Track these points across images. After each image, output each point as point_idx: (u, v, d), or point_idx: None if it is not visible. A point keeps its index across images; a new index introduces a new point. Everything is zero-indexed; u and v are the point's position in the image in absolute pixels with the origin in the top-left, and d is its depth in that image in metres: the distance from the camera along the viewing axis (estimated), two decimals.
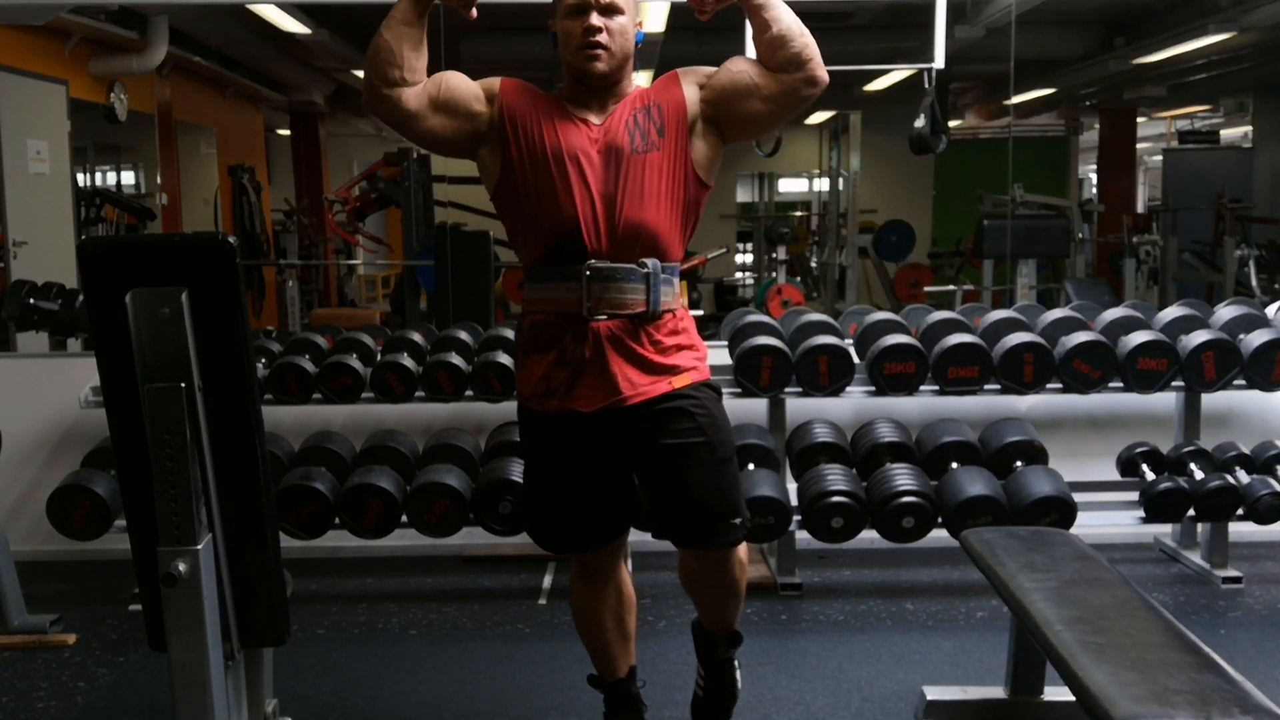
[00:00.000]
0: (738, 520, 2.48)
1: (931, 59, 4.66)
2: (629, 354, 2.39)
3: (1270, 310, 4.23)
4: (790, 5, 2.35)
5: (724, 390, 3.81)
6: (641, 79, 2.60)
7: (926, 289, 9.85)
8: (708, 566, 2.55)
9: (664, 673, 3.16)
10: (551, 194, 2.36)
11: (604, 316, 2.36)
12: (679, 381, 2.42)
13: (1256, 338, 3.84)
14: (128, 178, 9.31)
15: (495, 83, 2.44)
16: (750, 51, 2.32)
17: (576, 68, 2.38)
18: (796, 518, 3.64)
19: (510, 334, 4.15)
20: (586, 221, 2.35)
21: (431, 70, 2.38)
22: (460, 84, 2.40)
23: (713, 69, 2.46)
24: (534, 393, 2.45)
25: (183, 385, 1.86)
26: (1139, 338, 3.82)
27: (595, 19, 2.35)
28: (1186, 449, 3.86)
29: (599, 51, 2.35)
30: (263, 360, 3.99)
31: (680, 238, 2.45)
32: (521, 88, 2.44)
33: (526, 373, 2.47)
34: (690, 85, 2.44)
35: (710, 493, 2.44)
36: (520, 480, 3.60)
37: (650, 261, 2.38)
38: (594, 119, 2.40)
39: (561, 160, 2.36)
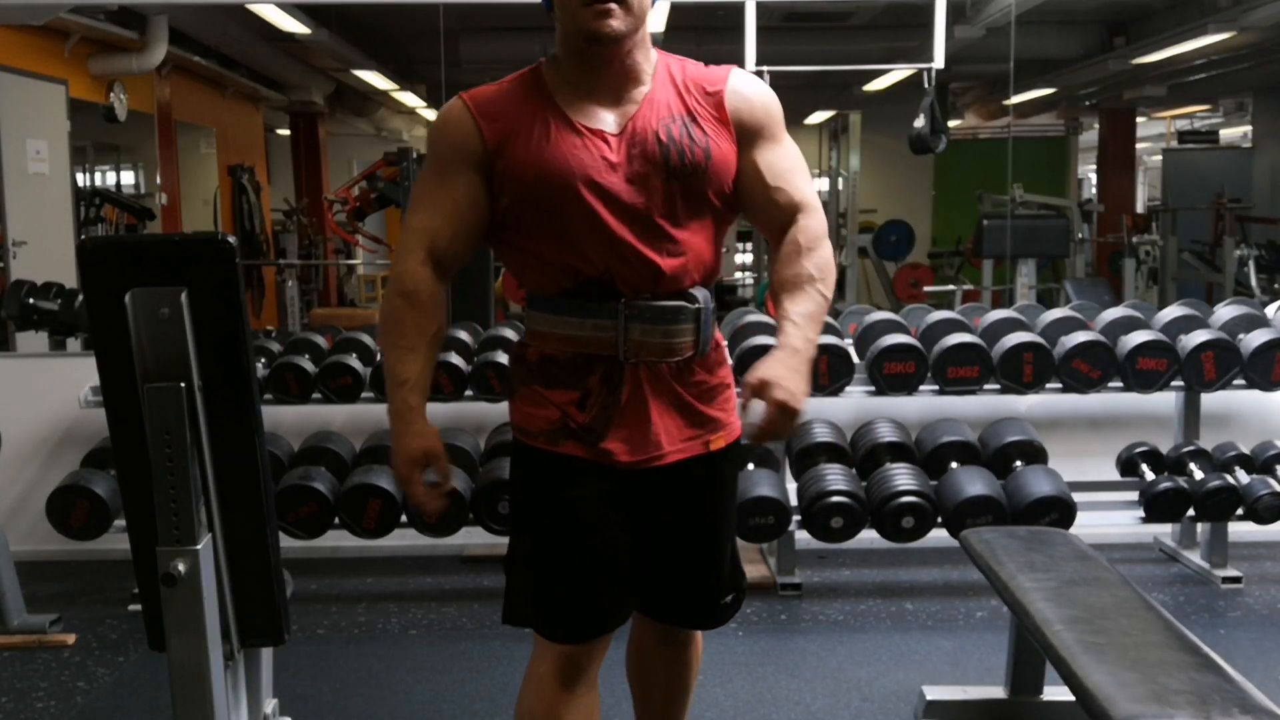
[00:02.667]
0: (730, 598, 2.15)
1: (931, 59, 4.66)
2: (671, 398, 1.96)
3: (1270, 310, 4.23)
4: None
5: None
6: None
7: (926, 289, 9.85)
8: (676, 648, 2.21)
9: None
10: (566, 236, 1.89)
11: (645, 361, 1.93)
12: (716, 442, 2.01)
13: (1256, 338, 3.84)
14: (127, 178, 9.31)
15: (458, 111, 1.92)
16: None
17: (583, 29, 1.85)
18: (796, 518, 3.64)
19: (510, 333, 4.15)
20: (616, 265, 1.89)
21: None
22: (454, 189, 1.92)
23: (767, 114, 1.99)
24: (542, 429, 1.94)
25: (182, 385, 1.86)
26: (1139, 338, 3.82)
27: None
28: (1186, 449, 3.86)
29: (610, 6, 1.83)
30: (263, 360, 3.99)
31: (721, 254, 2.05)
32: (496, 97, 1.93)
33: (531, 407, 1.96)
34: (743, 102, 1.96)
35: (716, 571, 2.09)
36: None
37: (700, 293, 1.94)
38: (609, 122, 1.90)
39: (574, 194, 1.86)
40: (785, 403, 1.77)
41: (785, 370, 1.81)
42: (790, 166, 1.99)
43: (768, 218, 1.99)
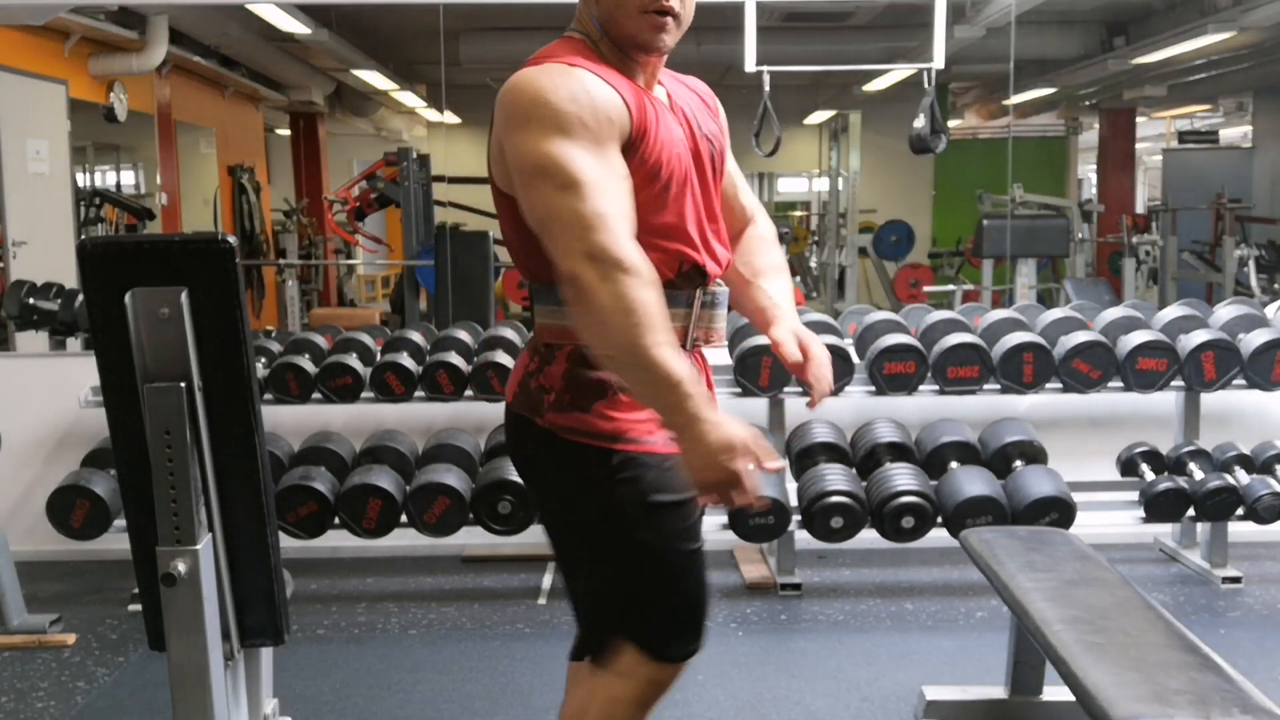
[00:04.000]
0: None
1: (931, 59, 4.66)
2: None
3: (1270, 310, 4.23)
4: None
5: (724, 390, 3.85)
6: None
7: (926, 289, 9.85)
8: None
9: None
10: (682, 224, 1.83)
11: (694, 345, 1.91)
12: None
13: (1256, 338, 3.84)
14: (127, 178, 9.30)
15: (599, 84, 1.75)
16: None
17: (635, 38, 1.79)
18: (796, 518, 3.64)
19: (510, 333, 4.15)
20: (711, 252, 1.89)
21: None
22: (619, 166, 1.73)
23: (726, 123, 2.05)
24: (660, 429, 1.76)
25: (183, 385, 1.86)
26: (1139, 338, 3.82)
27: None
28: (1186, 449, 3.86)
29: (667, 21, 1.79)
30: (263, 360, 3.99)
31: None
32: (605, 73, 1.79)
33: (638, 409, 1.79)
34: (720, 109, 2.04)
35: None
36: (520, 482, 3.59)
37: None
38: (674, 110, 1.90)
39: (692, 180, 1.85)
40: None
41: (810, 335, 1.98)
42: (739, 172, 2.10)
43: (728, 218, 2.03)
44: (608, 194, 1.68)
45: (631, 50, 1.82)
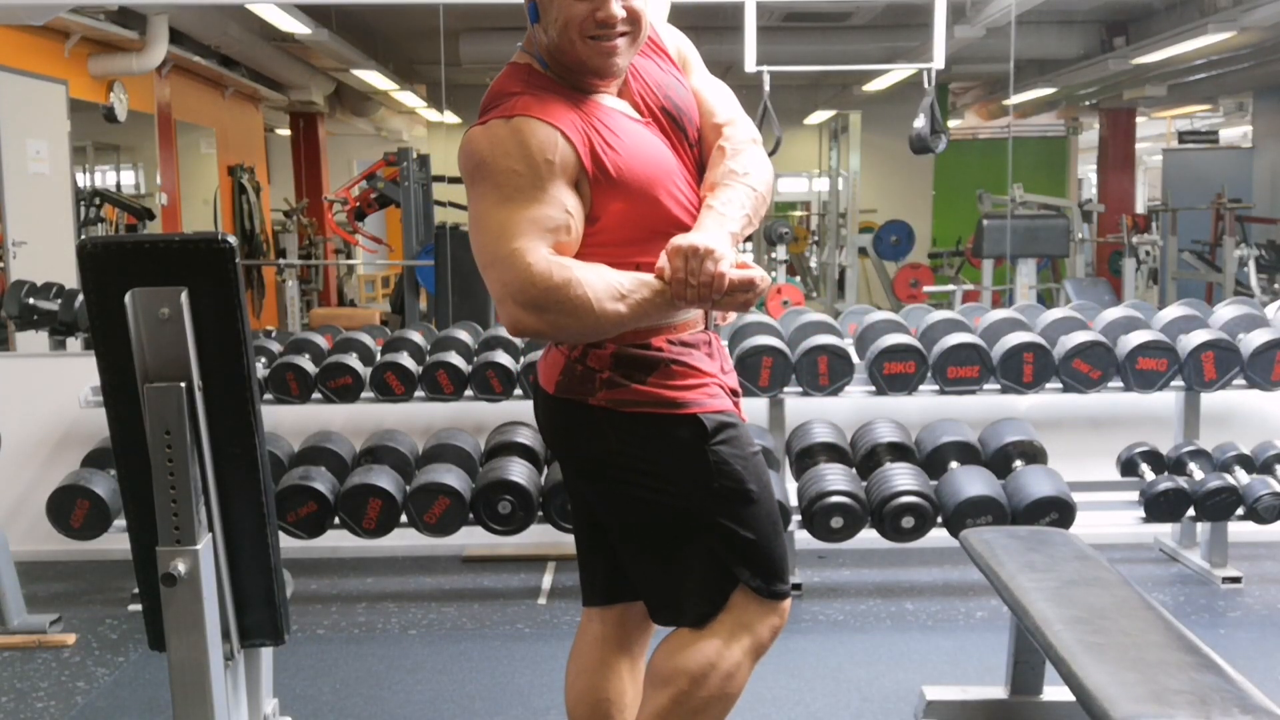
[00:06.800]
0: None
1: (931, 59, 4.66)
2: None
3: (1270, 310, 4.23)
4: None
5: None
6: None
7: (926, 289, 9.85)
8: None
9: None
10: (672, 225, 1.85)
11: (715, 328, 1.99)
12: None
13: (1256, 338, 3.84)
14: (127, 178, 9.30)
15: (537, 127, 1.77)
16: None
17: (585, 64, 1.82)
18: (796, 518, 3.64)
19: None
20: None
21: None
22: (562, 202, 1.78)
23: (689, 45, 2.05)
24: (720, 395, 1.94)
25: (183, 385, 1.86)
26: (1139, 338, 3.82)
27: (613, 4, 1.77)
28: (1186, 449, 3.86)
29: (615, 44, 1.80)
30: (263, 360, 3.99)
31: None
32: (551, 108, 1.80)
33: (693, 379, 1.90)
34: (673, 40, 2.05)
35: None
36: (520, 482, 3.60)
37: None
38: (629, 107, 1.91)
39: (670, 179, 1.87)
40: (687, 245, 1.73)
41: (691, 233, 1.79)
42: (714, 89, 2.03)
43: (706, 147, 1.99)
44: (520, 229, 1.74)
45: (584, 76, 1.85)
